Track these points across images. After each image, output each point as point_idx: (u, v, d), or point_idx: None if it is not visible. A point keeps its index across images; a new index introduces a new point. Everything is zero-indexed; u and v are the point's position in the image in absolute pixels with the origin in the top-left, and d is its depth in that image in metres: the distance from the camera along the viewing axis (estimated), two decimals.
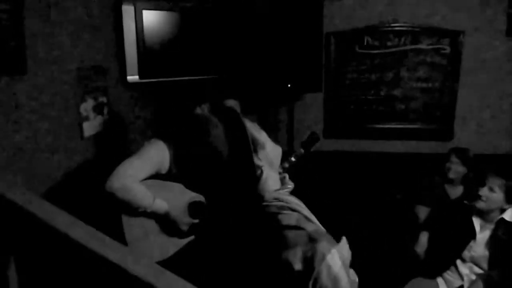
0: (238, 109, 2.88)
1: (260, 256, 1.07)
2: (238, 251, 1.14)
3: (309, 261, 1.00)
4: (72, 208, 1.11)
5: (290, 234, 1.05)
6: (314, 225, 1.12)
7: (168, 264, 1.92)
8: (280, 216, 1.07)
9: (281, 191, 1.16)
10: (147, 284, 0.71)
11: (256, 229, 1.11)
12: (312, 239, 1.01)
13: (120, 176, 1.89)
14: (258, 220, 1.12)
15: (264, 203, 1.13)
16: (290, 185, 1.24)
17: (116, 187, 1.87)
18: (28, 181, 2.03)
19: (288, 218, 1.08)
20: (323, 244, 1.01)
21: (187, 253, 2.10)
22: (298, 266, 1.01)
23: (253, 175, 1.13)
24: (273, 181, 1.18)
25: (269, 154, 1.18)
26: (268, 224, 1.10)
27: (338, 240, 1.29)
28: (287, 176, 1.25)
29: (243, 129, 1.12)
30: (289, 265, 1.02)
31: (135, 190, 1.90)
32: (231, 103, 2.84)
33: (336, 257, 1.00)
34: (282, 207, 1.12)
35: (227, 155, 1.06)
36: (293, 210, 1.12)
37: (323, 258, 0.99)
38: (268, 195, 1.14)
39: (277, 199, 1.13)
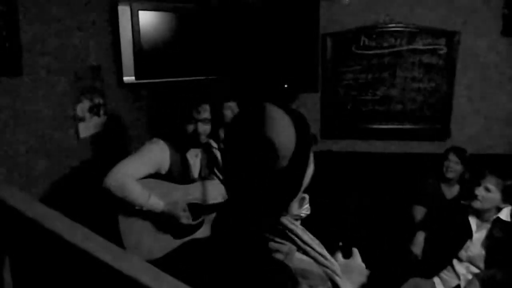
0: (237, 111, 2.88)
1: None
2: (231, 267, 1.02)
3: None
4: (68, 209, 1.10)
5: (274, 270, 0.93)
6: (306, 262, 0.97)
7: (161, 263, 1.92)
8: (271, 244, 0.96)
9: (290, 219, 1.01)
10: (143, 286, 0.71)
11: (249, 252, 0.98)
12: (293, 281, 0.92)
13: (118, 174, 1.92)
14: (253, 243, 0.98)
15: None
16: (304, 213, 1.09)
17: (112, 184, 1.90)
18: (23, 182, 2.02)
19: (277, 249, 0.95)
20: None
21: (182, 252, 2.10)
22: None
23: (295, 195, 0.98)
24: (297, 205, 1.07)
25: (309, 174, 1.05)
26: (258, 250, 0.96)
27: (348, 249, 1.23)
28: (307, 197, 1.07)
29: (309, 139, 0.95)
30: None
31: (131, 188, 1.92)
32: (231, 104, 2.85)
33: None
34: (279, 233, 0.98)
35: (285, 165, 0.90)
36: (292, 240, 0.98)
37: None
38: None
39: (283, 226, 0.99)
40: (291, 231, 1.00)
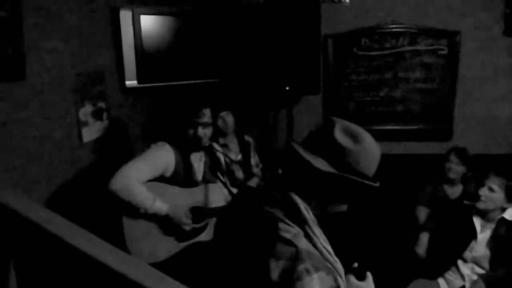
0: (231, 119, 2.89)
1: (249, 257, 1.05)
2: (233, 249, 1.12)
3: (286, 277, 0.96)
4: (72, 214, 1.11)
5: (279, 245, 1.00)
6: (311, 247, 1.05)
7: (165, 266, 1.92)
8: (280, 224, 1.03)
9: (306, 206, 1.13)
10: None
11: (255, 228, 1.08)
12: (297, 258, 0.98)
13: (124, 176, 1.91)
14: (259, 218, 1.08)
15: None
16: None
17: (118, 187, 1.89)
18: (26, 186, 2.03)
19: (286, 229, 1.02)
20: (306, 266, 0.96)
21: (185, 255, 2.10)
22: (275, 276, 0.96)
23: None
24: None
25: None
26: (266, 226, 1.05)
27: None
28: None
29: None
30: (268, 271, 0.97)
31: (136, 191, 1.92)
32: (223, 114, 2.86)
33: (316, 282, 0.96)
34: (292, 217, 1.08)
35: None
36: (299, 226, 1.06)
37: (299, 278, 0.95)
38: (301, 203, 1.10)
39: (299, 211, 1.14)
40: (305, 219, 1.07)
